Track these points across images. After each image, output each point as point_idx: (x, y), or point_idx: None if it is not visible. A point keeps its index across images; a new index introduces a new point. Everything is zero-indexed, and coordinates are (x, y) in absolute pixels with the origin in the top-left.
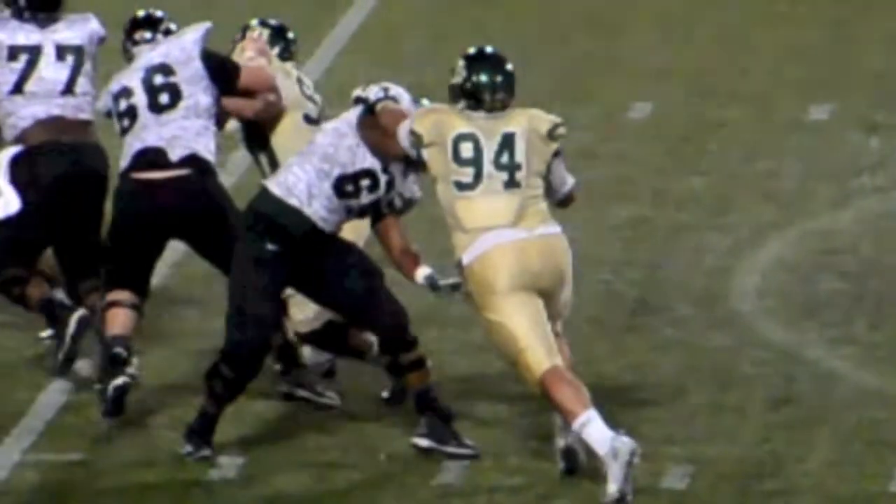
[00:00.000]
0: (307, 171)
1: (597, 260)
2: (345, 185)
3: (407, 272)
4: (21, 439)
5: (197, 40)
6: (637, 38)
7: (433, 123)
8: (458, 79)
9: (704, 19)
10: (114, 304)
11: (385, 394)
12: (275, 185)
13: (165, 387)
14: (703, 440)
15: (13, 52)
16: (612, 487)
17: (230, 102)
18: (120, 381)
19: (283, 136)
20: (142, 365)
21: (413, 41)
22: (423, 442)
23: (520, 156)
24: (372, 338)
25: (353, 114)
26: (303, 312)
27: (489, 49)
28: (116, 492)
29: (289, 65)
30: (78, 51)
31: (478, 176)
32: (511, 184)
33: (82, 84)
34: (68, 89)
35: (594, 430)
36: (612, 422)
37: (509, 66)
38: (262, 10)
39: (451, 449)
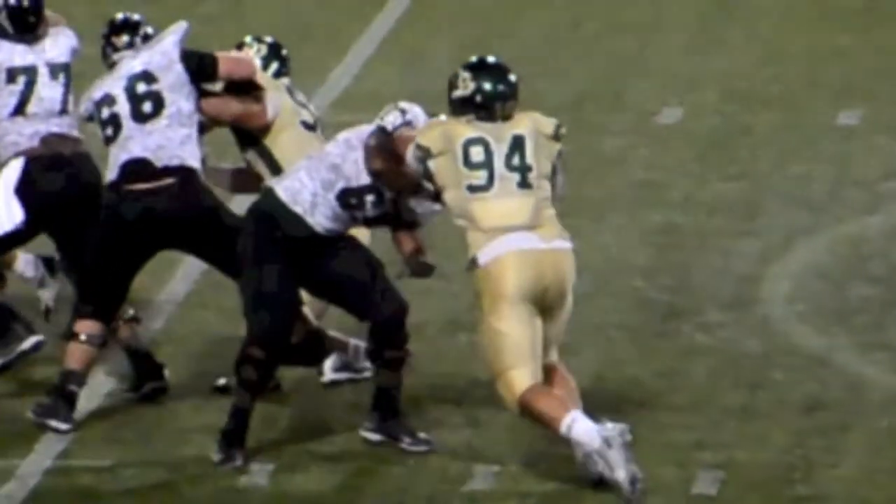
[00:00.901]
0: (314, 178)
1: (627, 265)
2: (349, 198)
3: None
4: (51, 446)
5: (176, 42)
6: (667, 43)
7: (440, 134)
8: (464, 91)
9: (735, 24)
10: (77, 338)
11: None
12: (281, 190)
13: (193, 393)
14: (734, 446)
15: (11, 75)
16: (621, 475)
17: (209, 106)
18: (66, 427)
19: (285, 147)
20: (170, 371)
21: (442, 48)
22: (374, 436)
23: (530, 157)
24: (352, 341)
25: (368, 129)
26: None
27: (490, 59)
28: (146, 498)
29: (282, 80)
30: (66, 68)
31: (491, 178)
32: (524, 184)
33: (71, 101)
34: (63, 108)
35: (580, 428)
36: (643, 427)
37: (512, 75)
38: (292, 17)
39: (405, 445)
